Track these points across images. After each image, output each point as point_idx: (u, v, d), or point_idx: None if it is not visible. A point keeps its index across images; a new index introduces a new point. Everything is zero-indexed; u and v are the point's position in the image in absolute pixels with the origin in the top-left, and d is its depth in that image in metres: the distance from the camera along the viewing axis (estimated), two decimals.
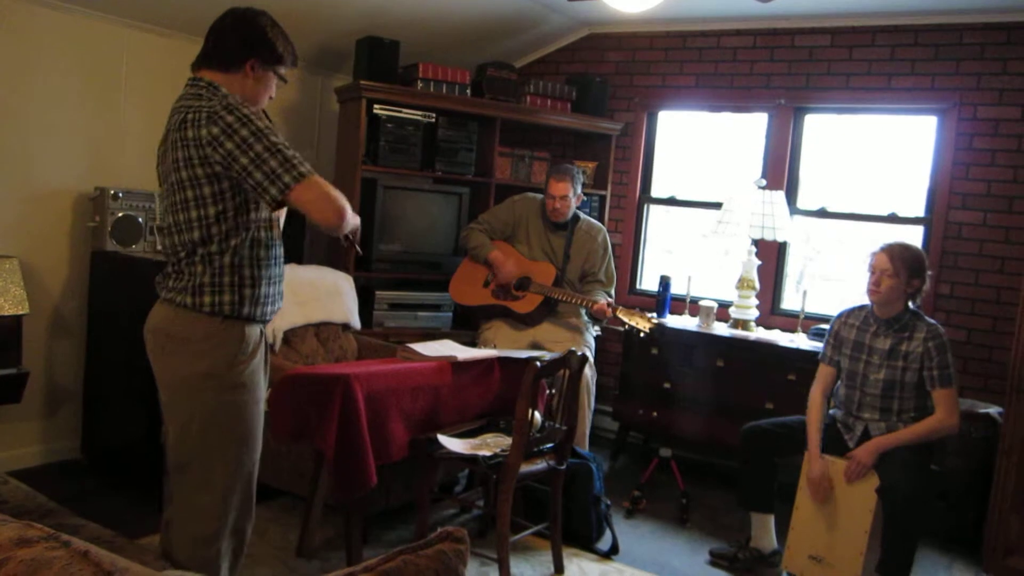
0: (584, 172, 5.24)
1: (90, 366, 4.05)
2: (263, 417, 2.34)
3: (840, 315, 3.54)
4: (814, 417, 3.41)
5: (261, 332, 2.32)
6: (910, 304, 3.35)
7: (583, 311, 4.44)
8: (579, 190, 4.38)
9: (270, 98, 2.35)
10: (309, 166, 2.11)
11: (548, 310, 4.33)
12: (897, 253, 3.27)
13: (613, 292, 4.45)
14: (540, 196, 4.51)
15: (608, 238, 4.50)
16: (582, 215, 4.49)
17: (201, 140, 2.08)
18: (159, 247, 3.99)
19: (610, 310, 4.03)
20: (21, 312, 3.42)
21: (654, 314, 3.98)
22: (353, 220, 2.29)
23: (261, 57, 2.24)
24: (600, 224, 4.57)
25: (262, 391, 2.33)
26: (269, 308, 2.31)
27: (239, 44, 2.22)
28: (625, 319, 3.94)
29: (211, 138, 2.07)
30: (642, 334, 3.90)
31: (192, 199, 2.15)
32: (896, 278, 3.26)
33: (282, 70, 2.32)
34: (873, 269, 3.32)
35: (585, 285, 4.40)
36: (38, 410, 3.96)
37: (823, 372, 3.52)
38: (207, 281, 2.17)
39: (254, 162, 2.06)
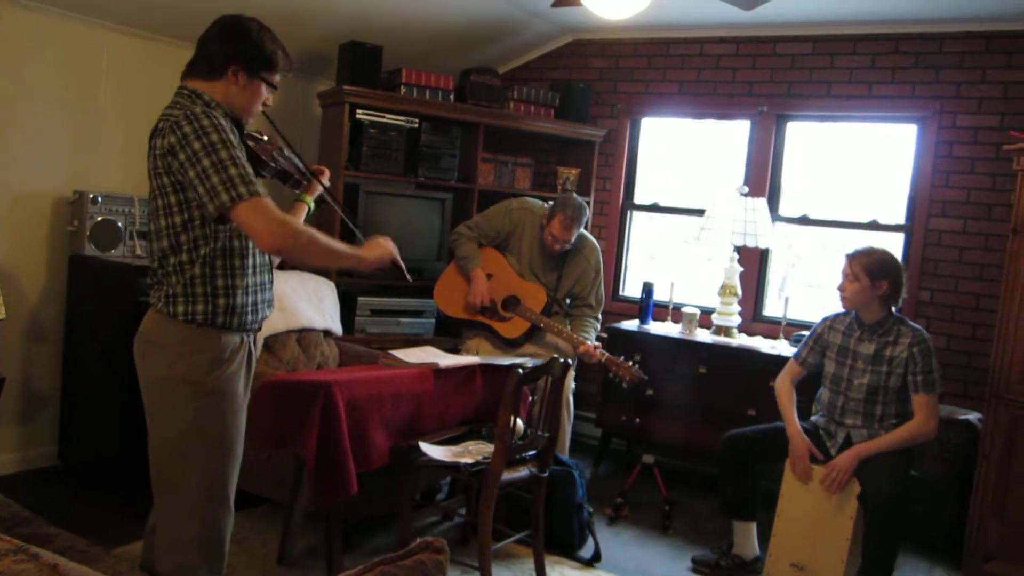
0: (568, 179, 5.24)
1: (67, 372, 4.00)
2: (243, 425, 2.32)
3: (826, 319, 3.57)
4: (785, 399, 3.52)
5: (242, 340, 2.30)
6: (893, 310, 3.39)
7: (567, 324, 4.41)
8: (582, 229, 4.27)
9: (265, 105, 2.33)
10: (258, 187, 2.07)
11: (533, 333, 4.23)
12: (857, 258, 3.35)
13: (601, 316, 4.39)
14: (538, 205, 4.39)
15: (601, 258, 4.40)
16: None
17: (163, 149, 2.09)
18: (139, 251, 3.96)
19: (597, 354, 3.97)
20: None
21: (638, 364, 3.94)
22: (384, 249, 2.33)
23: (244, 63, 2.22)
24: (595, 241, 4.43)
25: (241, 399, 2.31)
26: (250, 318, 2.28)
27: (221, 50, 2.21)
28: (611, 368, 3.94)
29: (169, 148, 2.08)
30: (624, 384, 3.92)
31: (162, 208, 2.15)
32: (857, 282, 3.32)
33: (270, 76, 2.29)
34: (841, 274, 3.40)
35: (573, 309, 4.34)
36: (14, 416, 3.91)
37: (791, 366, 3.61)
38: (179, 291, 2.17)
39: (199, 176, 2.05)
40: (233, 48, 2.21)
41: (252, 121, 2.36)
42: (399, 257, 2.47)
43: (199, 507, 2.22)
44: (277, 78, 2.32)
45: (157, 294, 2.22)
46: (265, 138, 2.47)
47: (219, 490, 2.26)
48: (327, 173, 2.70)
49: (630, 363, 3.91)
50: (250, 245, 2.26)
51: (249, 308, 2.27)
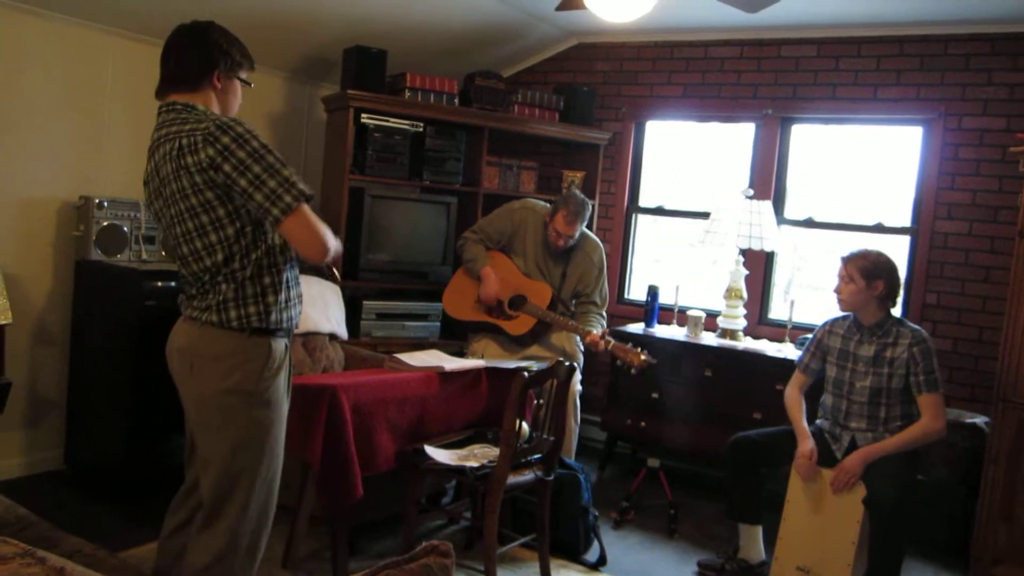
0: (573, 182, 5.25)
1: (74, 376, 4.01)
2: (284, 434, 2.34)
3: (825, 324, 3.57)
4: (794, 406, 3.51)
5: (286, 347, 2.32)
6: (892, 311, 3.39)
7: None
8: (585, 224, 4.30)
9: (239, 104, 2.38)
10: (304, 185, 2.11)
11: (540, 331, 4.26)
12: (851, 260, 3.37)
13: (606, 313, 4.41)
14: (540, 204, 4.43)
15: (604, 256, 4.43)
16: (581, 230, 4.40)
17: (202, 164, 2.07)
18: (144, 256, 3.96)
19: (603, 343, 3.97)
20: (4, 322, 3.39)
21: (646, 349, 3.94)
22: (336, 248, 2.31)
23: (223, 67, 2.26)
24: (597, 240, 4.47)
25: (285, 408, 2.33)
26: (294, 312, 2.32)
27: (201, 60, 2.23)
28: (618, 355, 3.93)
29: (210, 160, 2.07)
30: (632, 371, 3.88)
31: (209, 223, 2.14)
32: (853, 283, 3.34)
33: (244, 75, 2.34)
34: (837, 277, 3.43)
35: (579, 307, 4.36)
36: (21, 421, 3.92)
37: (797, 376, 3.61)
38: (231, 296, 2.17)
39: (253, 183, 2.05)
40: (210, 56, 2.24)
41: None
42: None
43: (244, 516, 2.23)
44: (247, 75, 2.37)
45: (200, 304, 2.21)
46: None
47: (263, 500, 2.28)
48: None
49: (638, 349, 3.91)
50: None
51: (293, 302, 2.31)
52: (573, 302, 4.38)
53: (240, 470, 2.22)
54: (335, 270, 2.45)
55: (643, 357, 3.86)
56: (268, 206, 2.06)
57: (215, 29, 2.28)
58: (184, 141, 2.10)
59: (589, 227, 5.15)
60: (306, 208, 2.10)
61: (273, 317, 2.22)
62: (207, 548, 2.23)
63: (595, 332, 4.07)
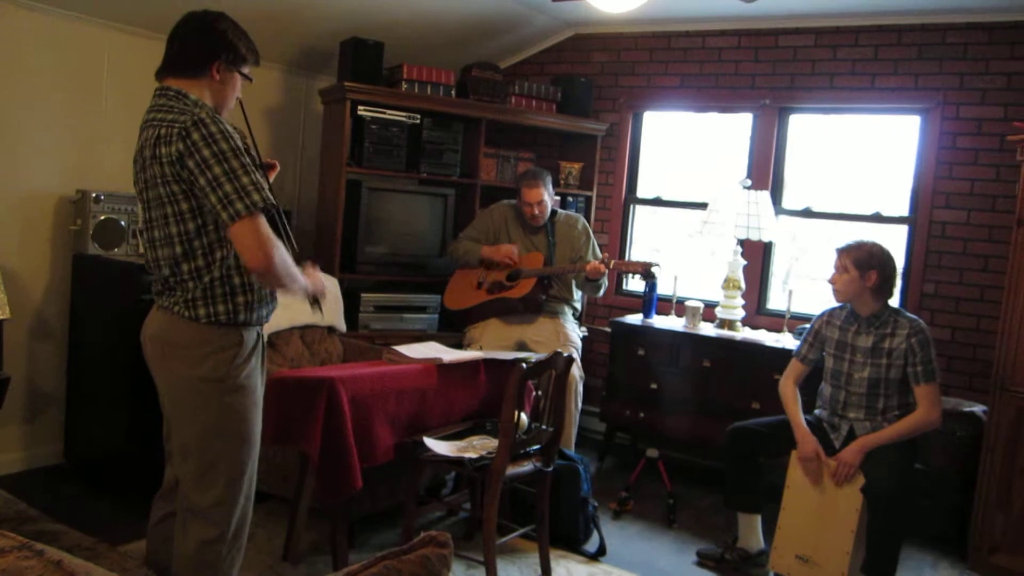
0: (570, 173, 5.25)
1: (72, 370, 4.01)
2: (260, 418, 2.35)
3: (823, 314, 3.57)
4: (791, 401, 3.50)
5: (258, 334, 2.34)
6: (889, 302, 3.39)
7: (569, 312, 4.47)
8: (551, 190, 4.46)
9: (237, 97, 2.37)
10: (265, 195, 2.09)
11: (543, 292, 4.35)
12: (845, 250, 3.39)
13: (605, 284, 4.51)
14: (512, 202, 4.58)
15: (587, 224, 4.59)
16: (557, 210, 4.59)
17: (171, 157, 2.09)
18: (142, 250, 3.96)
19: (603, 266, 4.11)
20: (2, 317, 3.39)
21: (649, 259, 4.18)
22: (317, 284, 2.32)
23: (225, 59, 2.26)
24: (576, 214, 4.69)
25: (260, 393, 2.34)
26: (265, 310, 2.32)
27: (203, 49, 2.24)
28: (623, 270, 4.29)
29: (178, 155, 2.08)
30: (639, 277, 4.24)
31: (172, 215, 2.16)
32: (846, 273, 3.35)
33: (246, 69, 2.34)
34: (833, 268, 3.44)
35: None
36: (20, 415, 3.93)
37: (794, 366, 3.60)
38: (199, 295, 2.19)
39: (210, 184, 2.06)
40: (213, 46, 2.24)
41: (227, 113, 2.37)
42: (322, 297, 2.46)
43: (227, 503, 2.25)
44: (249, 70, 2.37)
45: (171, 299, 2.22)
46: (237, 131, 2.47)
47: (244, 485, 2.29)
48: (277, 168, 2.68)
49: (636, 260, 4.18)
50: None
51: (264, 301, 2.31)
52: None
53: (217, 456, 2.23)
54: (319, 303, 2.41)
55: (642, 262, 4.14)
56: (219, 209, 2.06)
57: (225, 20, 2.28)
58: (163, 131, 2.12)
59: (586, 218, 5.18)
60: (258, 219, 2.07)
61: (242, 316, 2.23)
62: (193, 535, 2.24)
63: (594, 261, 4.23)
